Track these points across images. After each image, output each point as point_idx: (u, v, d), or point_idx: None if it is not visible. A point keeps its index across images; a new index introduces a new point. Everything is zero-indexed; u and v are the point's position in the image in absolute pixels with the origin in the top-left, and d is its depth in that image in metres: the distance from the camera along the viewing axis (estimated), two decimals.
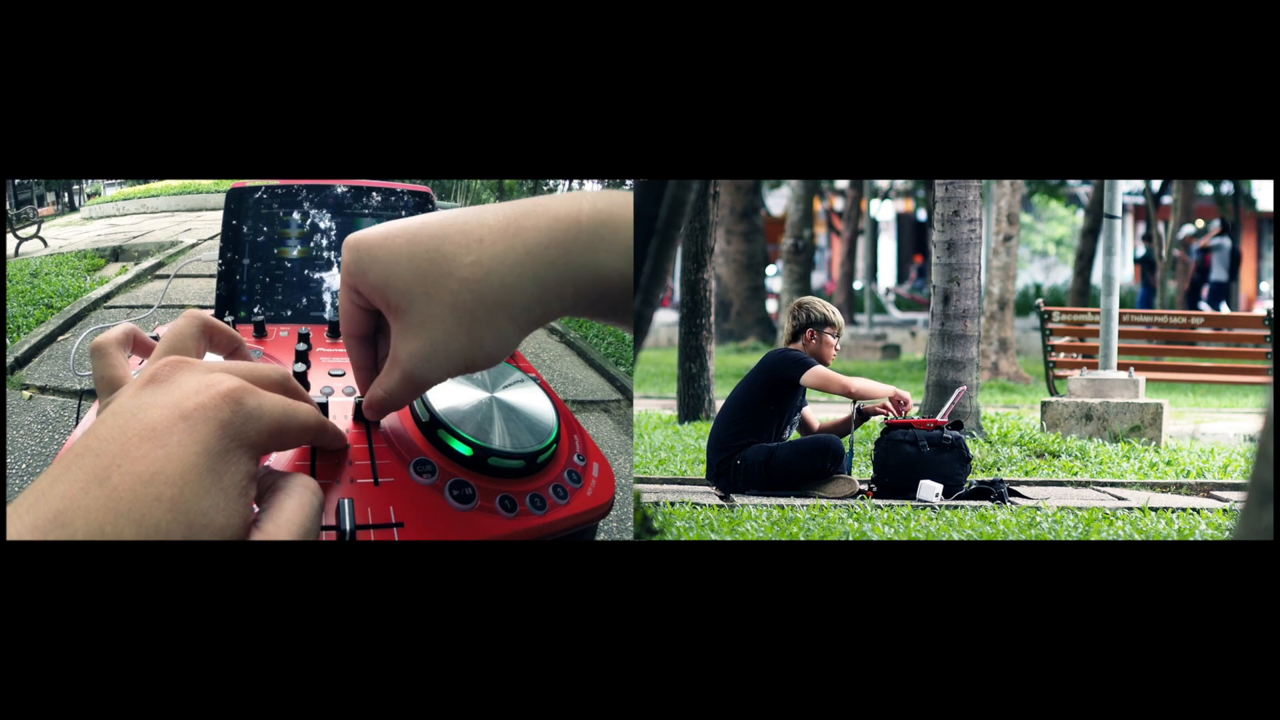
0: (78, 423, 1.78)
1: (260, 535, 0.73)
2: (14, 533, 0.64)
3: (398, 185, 2.41)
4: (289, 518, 0.75)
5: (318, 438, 0.86)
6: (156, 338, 1.58)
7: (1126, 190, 15.74)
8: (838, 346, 4.51)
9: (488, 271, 0.82)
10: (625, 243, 0.82)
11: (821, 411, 4.76)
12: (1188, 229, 15.17)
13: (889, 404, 4.39)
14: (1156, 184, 15.37)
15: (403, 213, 2.35)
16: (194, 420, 0.70)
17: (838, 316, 4.51)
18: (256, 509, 0.76)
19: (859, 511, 3.80)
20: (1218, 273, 15.60)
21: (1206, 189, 18.65)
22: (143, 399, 0.72)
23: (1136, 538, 3.43)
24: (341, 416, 1.34)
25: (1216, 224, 16.14)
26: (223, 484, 0.69)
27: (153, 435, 0.68)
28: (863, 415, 4.47)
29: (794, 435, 4.51)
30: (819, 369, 4.33)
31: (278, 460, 1.16)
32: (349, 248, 0.92)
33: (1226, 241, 15.69)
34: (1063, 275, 24.54)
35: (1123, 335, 7.20)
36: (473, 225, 0.84)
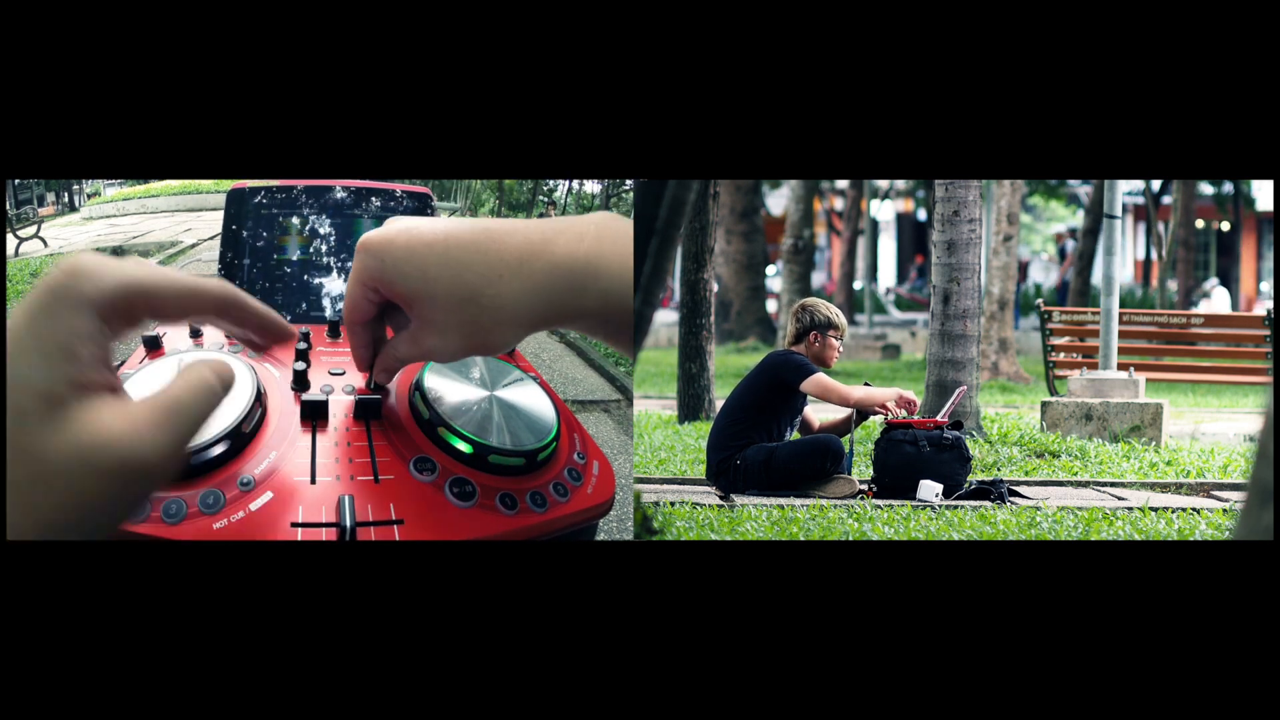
0: None
1: (121, 406, 0.68)
2: None
3: (397, 186, 2.40)
4: (169, 394, 0.71)
5: (221, 309, 0.78)
6: (157, 338, 1.59)
7: (1126, 190, 15.79)
8: (840, 348, 4.52)
9: (502, 305, 1.03)
10: (615, 279, 1.00)
11: (822, 411, 4.76)
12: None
13: (889, 404, 4.38)
14: (1156, 184, 15.38)
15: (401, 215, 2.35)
16: (27, 294, 0.69)
17: (841, 318, 4.52)
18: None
19: (859, 511, 3.80)
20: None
21: (1207, 189, 18.66)
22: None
23: (1136, 538, 3.42)
24: (341, 415, 1.34)
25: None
26: (41, 344, 0.67)
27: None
28: (862, 415, 4.47)
29: (794, 435, 4.51)
30: (819, 377, 4.33)
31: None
32: (370, 253, 1.05)
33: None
34: None
35: (1123, 335, 7.19)
36: (494, 259, 1.02)
